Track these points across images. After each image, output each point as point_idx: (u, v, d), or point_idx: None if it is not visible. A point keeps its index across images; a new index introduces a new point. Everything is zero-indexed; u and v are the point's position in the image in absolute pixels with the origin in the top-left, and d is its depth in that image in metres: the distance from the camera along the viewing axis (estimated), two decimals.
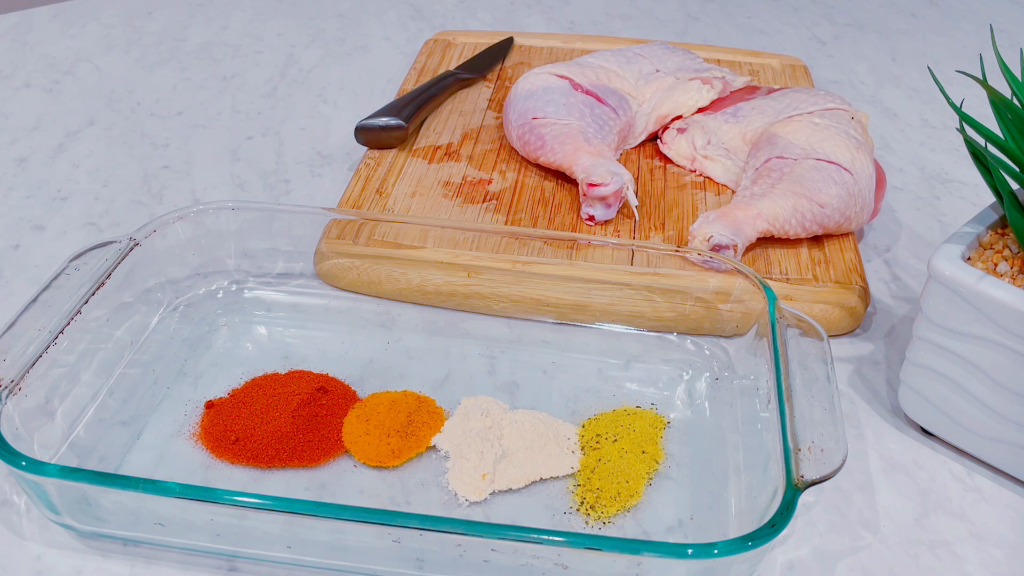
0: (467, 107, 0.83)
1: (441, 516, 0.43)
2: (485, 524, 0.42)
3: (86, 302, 0.54)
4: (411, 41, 1.01)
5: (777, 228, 0.65)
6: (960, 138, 0.87)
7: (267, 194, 0.75)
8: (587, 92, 0.75)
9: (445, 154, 0.76)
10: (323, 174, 0.78)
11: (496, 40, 0.94)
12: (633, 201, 0.68)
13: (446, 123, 0.81)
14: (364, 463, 0.52)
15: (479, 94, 0.86)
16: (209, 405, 0.55)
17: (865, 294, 0.64)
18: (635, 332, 0.62)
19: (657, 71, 0.80)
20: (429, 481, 0.52)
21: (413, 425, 0.54)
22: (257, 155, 0.80)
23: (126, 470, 0.51)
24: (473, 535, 0.42)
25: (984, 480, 0.54)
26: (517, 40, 0.95)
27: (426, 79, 0.86)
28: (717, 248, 0.62)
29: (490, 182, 0.73)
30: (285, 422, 0.53)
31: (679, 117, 0.78)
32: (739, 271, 0.58)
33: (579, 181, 0.69)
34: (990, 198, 0.78)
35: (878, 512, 0.52)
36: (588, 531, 0.49)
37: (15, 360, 0.49)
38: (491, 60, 0.90)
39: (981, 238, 0.54)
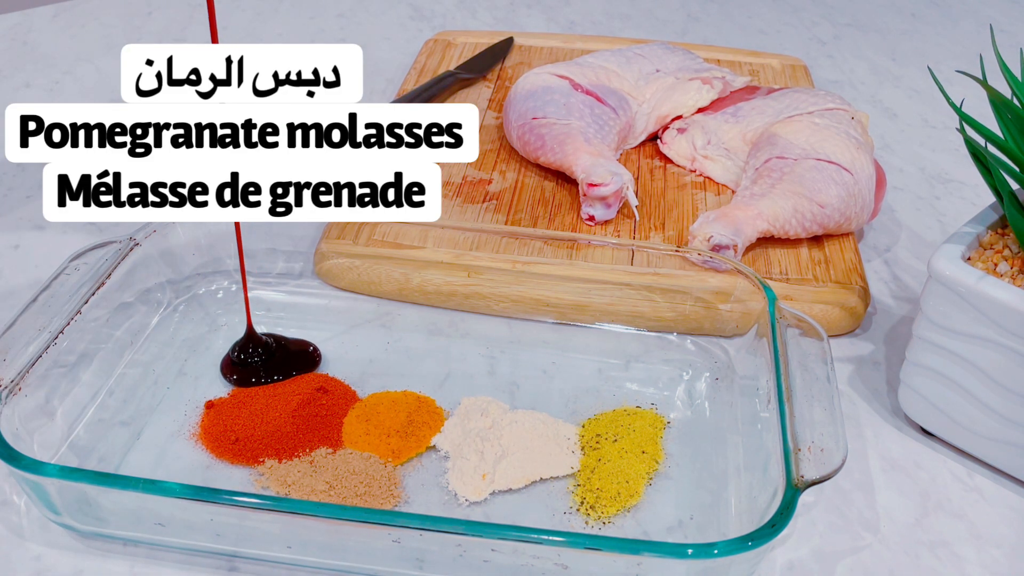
0: None
1: (441, 516, 0.43)
2: (485, 524, 0.43)
3: (86, 302, 0.54)
4: (411, 41, 1.01)
5: (777, 228, 0.65)
6: (960, 138, 0.87)
7: None
8: (587, 92, 0.75)
9: None
10: None
11: (496, 40, 0.94)
12: (633, 201, 0.68)
13: None
14: None
15: (479, 94, 0.86)
16: (209, 405, 0.55)
17: (865, 294, 0.63)
18: (635, 332, 0.62)
19: (657, 71, 0.80)
20: (429, 481, 0.52)
21: (413, 425, 0.54)
22: None
23: (126, 470, 0.51)
24: (473, 535, 0.42)
25: (984, 480, 0.54)
26: (517, 40, 0.95)
27: (426, 79, 0.86)
28: (717, 248, 0.62)
29: (490, 182, 0.73)
30: (285, 422, 0.53)
31: (679, 117, 0.78)
32: (739, 271, 0.58)
33: (579, 181, 0.69)
34: (990, 198, 0.78)
35: (878, 512, 0.52)
36: (588, 531, 0.49)
37: (15, 360, 0.49)
38: (491, 60, 0.90)
39: (981, 238, 0.54)
